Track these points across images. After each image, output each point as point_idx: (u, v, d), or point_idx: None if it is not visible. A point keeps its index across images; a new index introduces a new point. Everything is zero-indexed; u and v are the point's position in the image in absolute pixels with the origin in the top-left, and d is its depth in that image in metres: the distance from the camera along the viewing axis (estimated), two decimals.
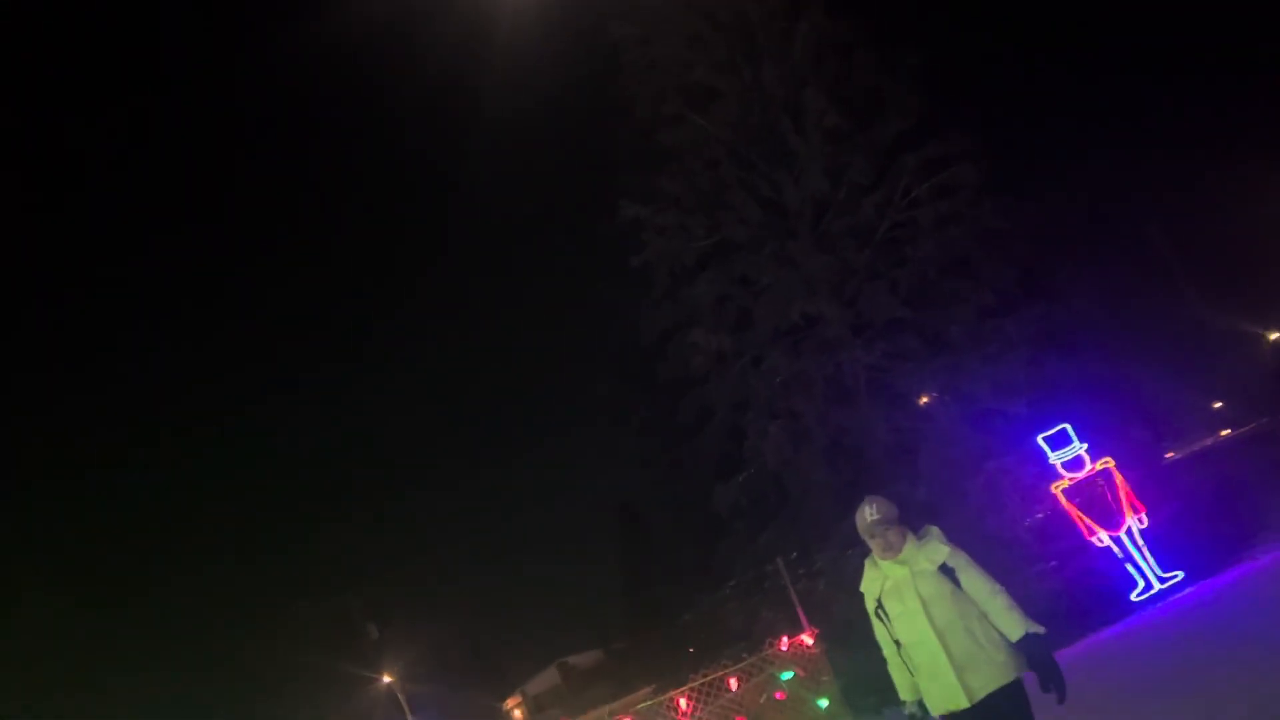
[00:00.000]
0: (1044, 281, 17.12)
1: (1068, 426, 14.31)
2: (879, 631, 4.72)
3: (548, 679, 53.21)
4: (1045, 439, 14.48)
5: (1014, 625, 4.34)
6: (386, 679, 42.09)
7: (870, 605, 4.74)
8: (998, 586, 4.47)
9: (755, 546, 17.15)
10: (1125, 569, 13.82)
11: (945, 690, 4.39)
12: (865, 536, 4.70)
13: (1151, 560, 13.75)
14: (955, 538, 4.65)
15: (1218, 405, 50.10)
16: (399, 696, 40.85)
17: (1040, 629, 4.37)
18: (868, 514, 4.66)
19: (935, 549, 4.57)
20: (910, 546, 4.60)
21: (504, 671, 54.79)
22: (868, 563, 4.80)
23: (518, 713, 53.92)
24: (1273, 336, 39.19)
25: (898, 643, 4.58)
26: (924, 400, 16.85)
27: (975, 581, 4.45)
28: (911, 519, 4.90)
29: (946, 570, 4.47)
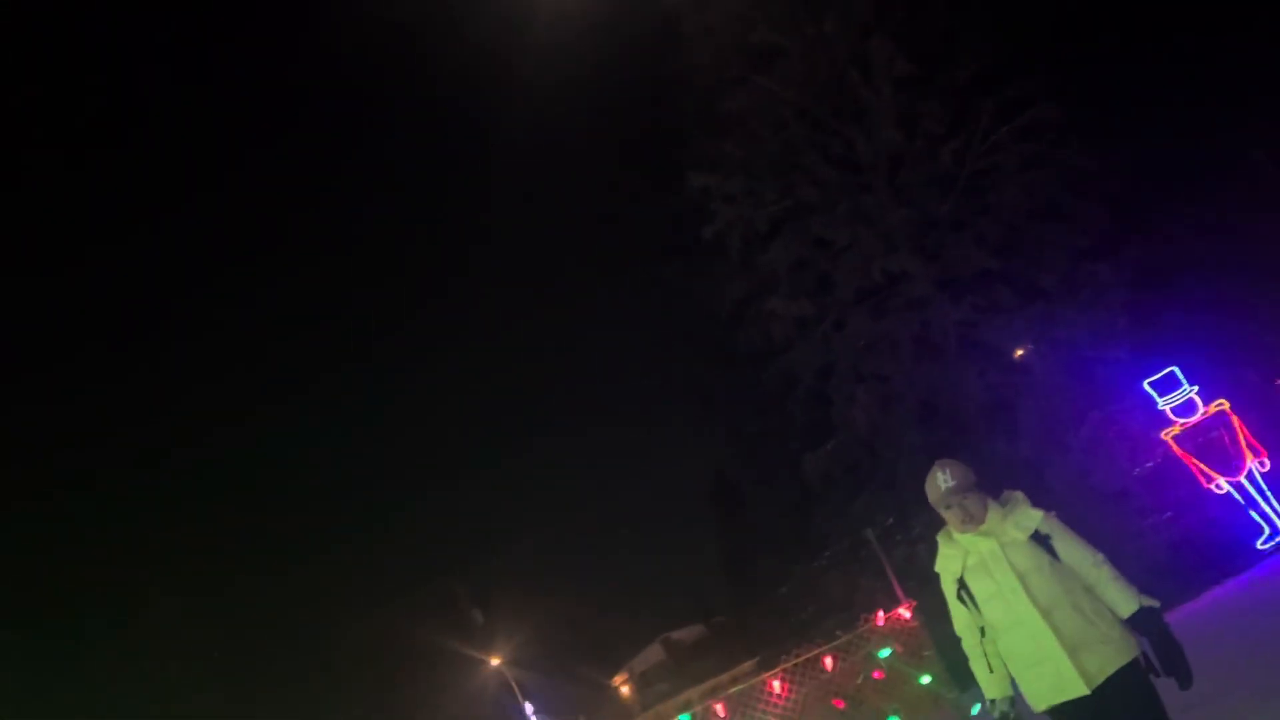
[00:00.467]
0: (1140, 220, 16.14)
1: (1176, 369, 13.51)
2: (959, 618, 4.08)
3: (652, 655, 53.54)
4: (1152, 384, 13.71)
5: (1125, 598, 3.72)
6: (494, 661, 42.89)
7: (950, 587, 4.07)
8: (1101, 555, 3.83)
9: (850, 514, 16.73)
10: (1249, 516, 13.01)
11: (1056, 677, 3.75)
12: (939, 508, 4.01)
13: (1277, 505, 12.91)
14: (1060, 494, 4.17)
15: None
16: (510, 680, 41.60)
17: (1155, 602, 3.74)
18: (940, 481, 3.98)
19: (1025, 514, 3.91)
20: (994, 514, 3.93)
21: (610, 649, 55.33)
22: (941, 538, 4.13)
23: (625, 689, 54.44)
24: None
25: (982, 630, 3.97)
26: (1019, 353, 16.10)
27: (1075, 550, 3.83)
28: (1015, 477, 4.32)
29: (1040, 539, 3.83)
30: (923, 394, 15.95)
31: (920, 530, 14.84)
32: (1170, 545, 13.33)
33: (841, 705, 9.50)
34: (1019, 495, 4.07)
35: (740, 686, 9.75)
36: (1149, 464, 14.30)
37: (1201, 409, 13.38)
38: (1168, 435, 13.50)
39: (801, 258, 17.72)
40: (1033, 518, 3.90)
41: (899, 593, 10.48)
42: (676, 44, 18.87)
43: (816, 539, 18.03)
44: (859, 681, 9.55)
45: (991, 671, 4.01)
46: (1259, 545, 12.90)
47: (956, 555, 4.05)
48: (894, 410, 15.94)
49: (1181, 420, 13.52)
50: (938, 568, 4.18)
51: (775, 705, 9.21)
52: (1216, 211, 16.18)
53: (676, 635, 52.84)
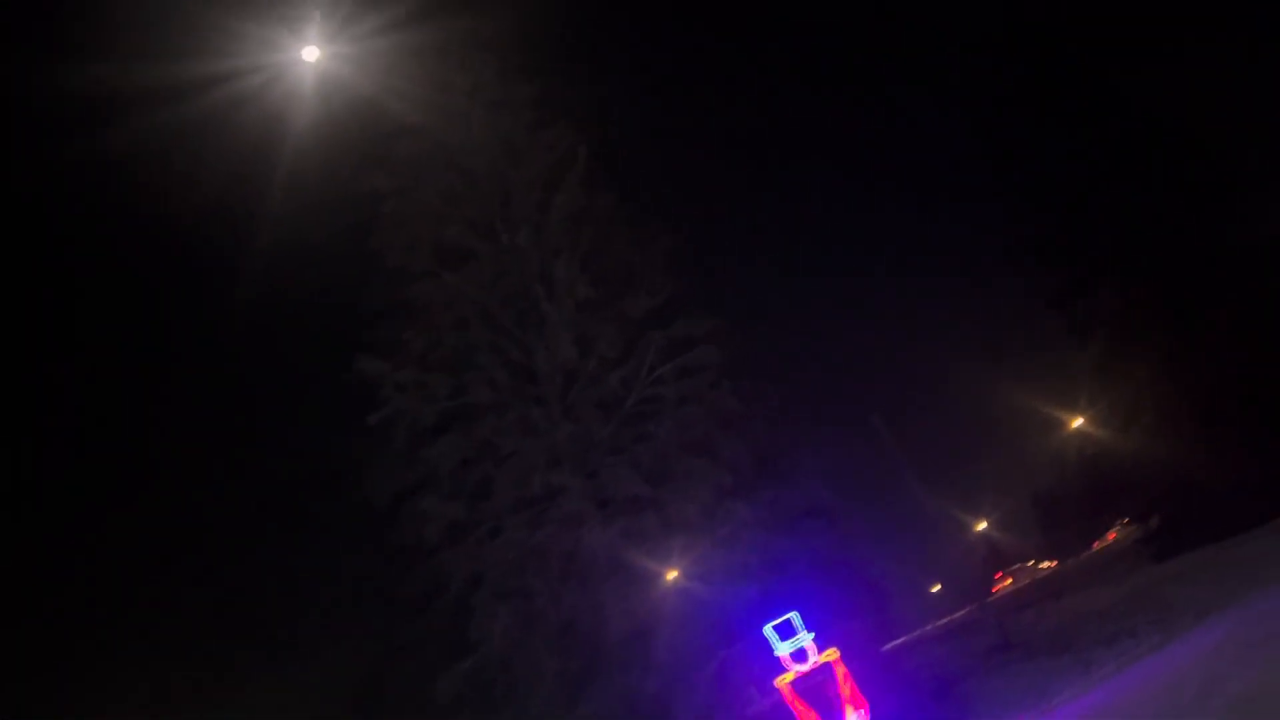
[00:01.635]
0: (778, 464, 17.33)
1: (795, 616, 14.08)
2: None
3: None
4: (773, 628, 14.17)
5: None
6: None
7: None
8: None
9: None
10: None
11: None
12: None
13: None
14: None
15: (936, 589, 53.39)
16: None
17: None
18: None
19: None
20: None
21: None
22: None
23: None
24: (979, 527, 42.62)
25: None
26: (666, 580, 16.27)
27: None
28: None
29: None
30: (566, 615, 15.54)
31: None
32: None
33: None
34: None
35: None
36: (762, 707, 14.58)
37: (814, 657, 13.93)
38: (781, 682, 13.87)
39: (467, 458, 17.20)
40: None
41: None
42: (376, 224, 18.52)
43: None
44: None
45: None
46: None
47: None
48: (535, 630, 15.34)
49: (796, 666, 13.98)
50: None
51: None
52: (840, 463, 17.66)
53: None
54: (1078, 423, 30.30)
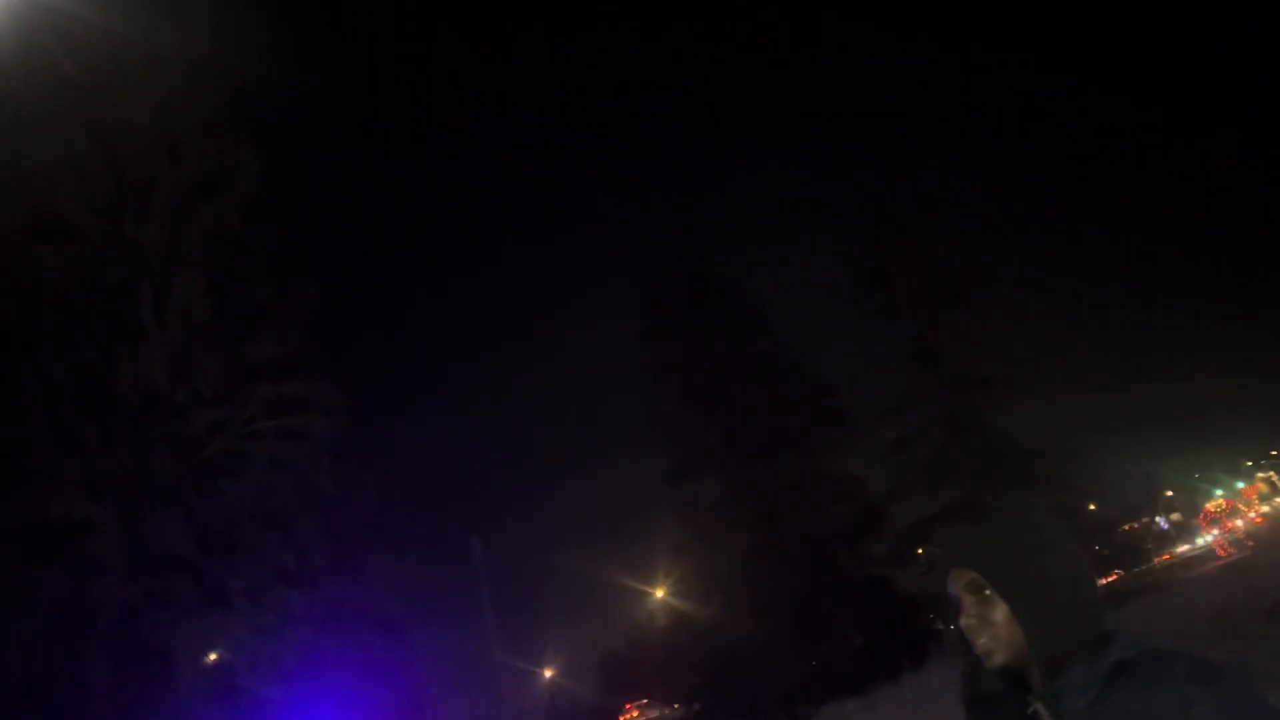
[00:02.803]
0: (354, 561, 15.78)
1: None
2: None
3: None
4: None
5: None
6: None
7: None
8: None
9: None
10: None
11: None
12: None
13: None
14: None
15: None
16: None
17: None
18: None
19: None
20: None
21: None
22: None
23: None
24: (548, 674, 42.66)
25: None
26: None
27: None
28: None
29: None
30: (35, 678, 12.55)
31: None
32: None
33: None
34: None
35: None
36: None
37: None
38: None
39: None
40: None
41: None
42: None
43: None
44: None
45: None
46: None
47: None
48: None
49: None
50: None
51: None
52: (416, 579, 16.51)
53: None
54: (660, 593, 31.50)
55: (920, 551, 27.14)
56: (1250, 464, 58.46)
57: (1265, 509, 51.92)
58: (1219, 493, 55.54)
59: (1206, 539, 48.57)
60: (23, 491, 13.53)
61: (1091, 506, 31.11)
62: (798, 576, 25.54)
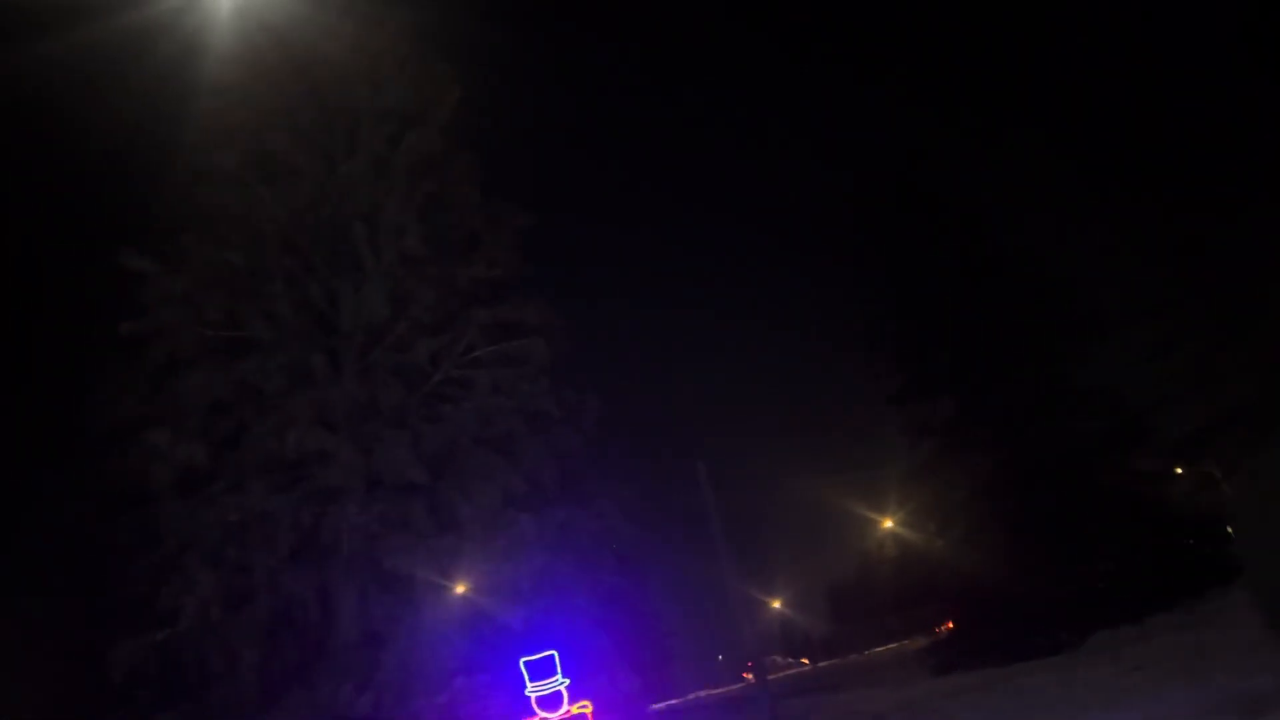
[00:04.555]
0: (581, 485, 14.97)
1: (554, 654, 11.66)
2: None
3: None
4: (528, 664, 11.71)
5: None
6: None
7: None
8: None
9: None
10: None
11: None
12: None
13: None
14: None
15: (720, 658, 51.90)
16: None
17: None
18: None
19: None
20: None
21: None
22: None
23: None
24: (775, 604, 41.46)
25: None
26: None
27: None
28: None
29: None
30: (283, 603, 12.55)
31: None
32: None
33: None
34: None
35: None
36: None
37: (565, 706, 11.52)
38: None
39: (220, 400, 14.06)
40: None
41: None
42: (194, 117, 15.41)
43: None
44: None
45: None
46: None
47: None
48: (242, 614, 12.28)
49: (543, 713, 11.52)
50: None
51: None
52: (646, 503, 15.50)
53: None
54: (889, 523, 29.43)
55: (1194, 466, 23.62)
56: None
57: None
58: None
59: None
60: (264, 426, 13.54)
61: None
62: (1051, 496, 22.79)
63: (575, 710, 11.45)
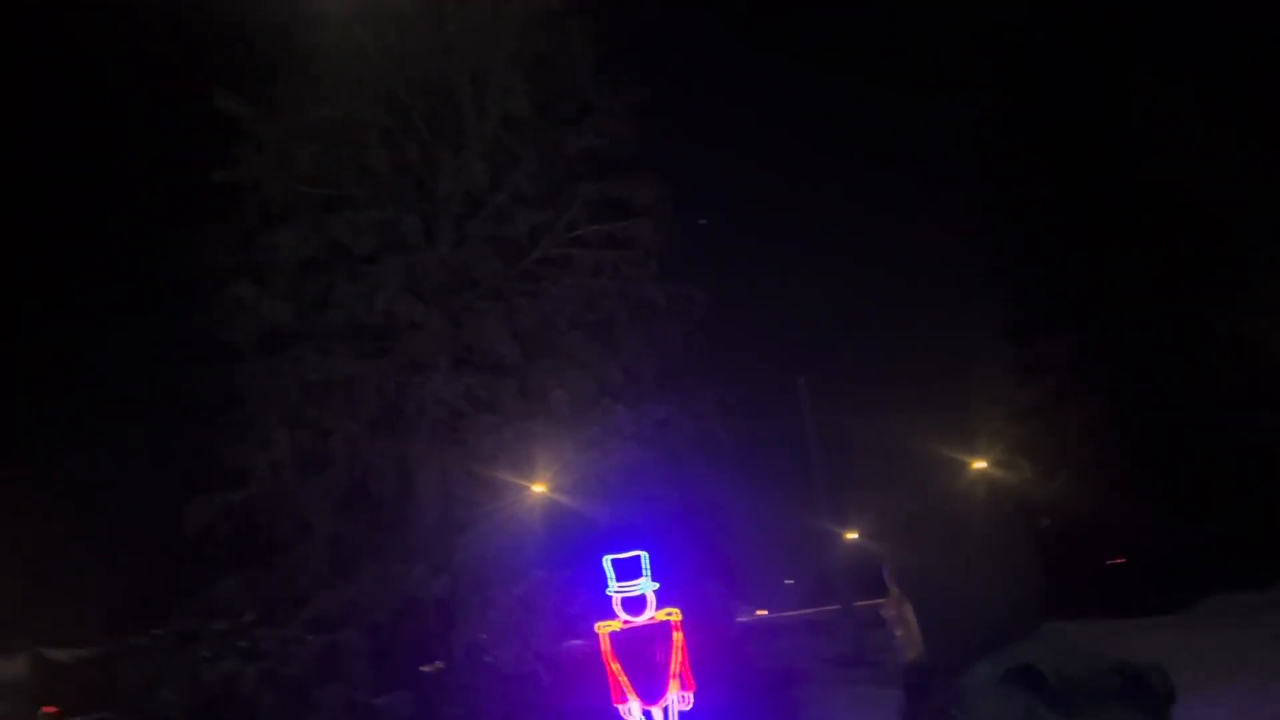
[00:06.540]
0: (679, 382, 13.64)
1: (644, 555, 10.49)
2: None
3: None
4: (614, 562, 10.57)
5: None
6: None
7: None
8: None
9: (212, 590, 11.65)
10: None
11: None
12: None
13: None
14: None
15: (789, 582, 51.07)
16: None
17: None
18: None
19: None
20: None
21: None
22: None
23: None
24: (849, 536, 39.99)
25: None
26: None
27: None
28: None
29: None
30: (360, 470, 11.66)
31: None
32: None
33: None
34: None
35: None
36: (565, 652, 11.00)
37: (651, 611, 10.38)
38: (603, 629, 10.29)
39: (312, 258, 13.06)
40: None
41: None
42: None
43: (158, 607, 12.57)
44: None
45: None
46: None
47: None
48: (316, 478, 11.44)
49: (627, 616, 10.41)
50: None
51: None
52: (741, 412, 14.11)
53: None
54: (981, 463, 27.58)
55: None
56: None
57: None
58: None
59: None
60: (352, 288, 12.53)
61: None
62: (1173, 449, 20.73)
63: (661, 617, 10.31)
